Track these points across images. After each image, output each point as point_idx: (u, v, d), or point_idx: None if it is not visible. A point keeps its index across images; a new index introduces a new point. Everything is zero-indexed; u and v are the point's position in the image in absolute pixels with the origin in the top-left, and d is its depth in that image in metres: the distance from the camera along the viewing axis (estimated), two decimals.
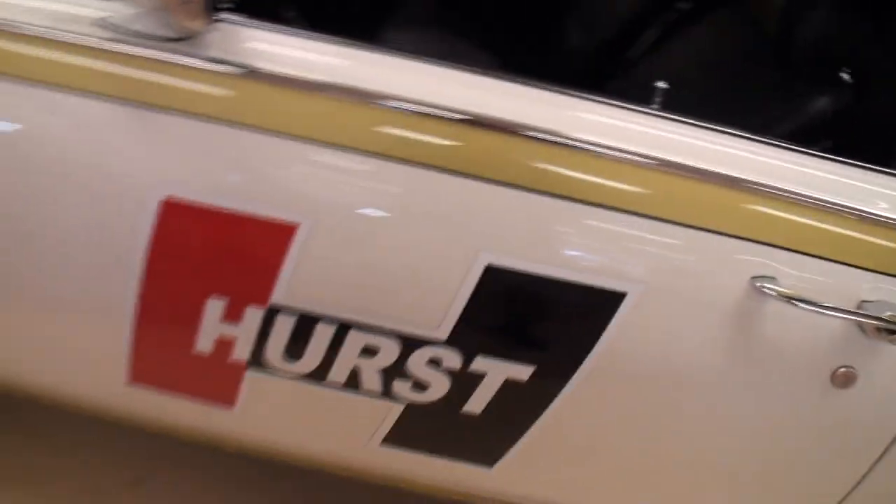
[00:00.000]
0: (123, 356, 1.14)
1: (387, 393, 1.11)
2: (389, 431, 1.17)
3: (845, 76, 1.24)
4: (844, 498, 1.18)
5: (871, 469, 1.15)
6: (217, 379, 1.15)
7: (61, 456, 1.69)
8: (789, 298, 1.00)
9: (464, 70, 1.03)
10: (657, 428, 1.14)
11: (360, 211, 1.02)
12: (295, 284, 1.03)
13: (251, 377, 1.13)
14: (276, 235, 1.01)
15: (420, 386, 1.09)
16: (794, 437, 1.14)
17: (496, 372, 1.07)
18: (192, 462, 1.68)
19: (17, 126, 1.02)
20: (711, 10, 1.64)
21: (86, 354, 1.19)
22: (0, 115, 1.01)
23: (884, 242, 1.03)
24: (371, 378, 1.10)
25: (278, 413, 1.22)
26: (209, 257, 1.05)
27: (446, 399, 1.10)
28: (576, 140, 1.01)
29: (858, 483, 1.16)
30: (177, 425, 1.30)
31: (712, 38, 1.62)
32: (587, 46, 1.88)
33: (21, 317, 1.17)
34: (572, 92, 1.04)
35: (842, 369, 1.04)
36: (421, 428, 1.17)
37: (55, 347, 1.20)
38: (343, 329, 1.05)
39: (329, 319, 1.05)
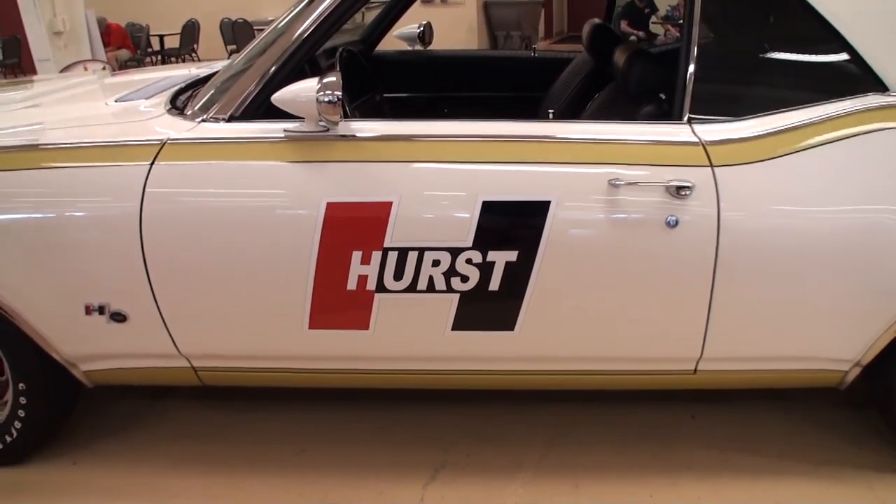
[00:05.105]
0: (306, 309, 2.20)
1: (448, 288, 2.16)
2: (455, 318, 2.19)
3: (662, 95, 2.42)
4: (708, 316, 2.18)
5: (713, 288, 2.16)
6: (358, 307, 2.18)
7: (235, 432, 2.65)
8: (631, 184, 2.10)
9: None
10: (585, 286, 2.18)
11: (424, 191, 2.14)
12: (395, 233, 2.11)
13: (377, 299, 2.17)
14: (383, 207, 2.11)
15: (464, 278, 2.14)
16: (652, 273, 2.17)
17: (500, 258, 2.13)
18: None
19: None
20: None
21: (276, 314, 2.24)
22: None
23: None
24: (439, 280, 2.15)
25: (398, 328, 2.23)
26: (352, 229, 2.14)
27: (479, 283, 2.15)
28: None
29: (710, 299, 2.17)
30: (336, 356, 2.31)
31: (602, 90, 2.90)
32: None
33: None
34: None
35: (670, 217, 2.10)
36: (471, 309, 2.19)
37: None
38: (421, 253, 2.12)
39: (415, 249, 2.13)
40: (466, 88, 3.92)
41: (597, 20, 3.53)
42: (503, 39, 12.94)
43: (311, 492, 2.42)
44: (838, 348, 2.30)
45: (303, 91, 2.08)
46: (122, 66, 12.10)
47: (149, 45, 13.79)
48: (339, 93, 2.05)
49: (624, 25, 10.54)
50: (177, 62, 13.66)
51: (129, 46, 12.76)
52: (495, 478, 2.46)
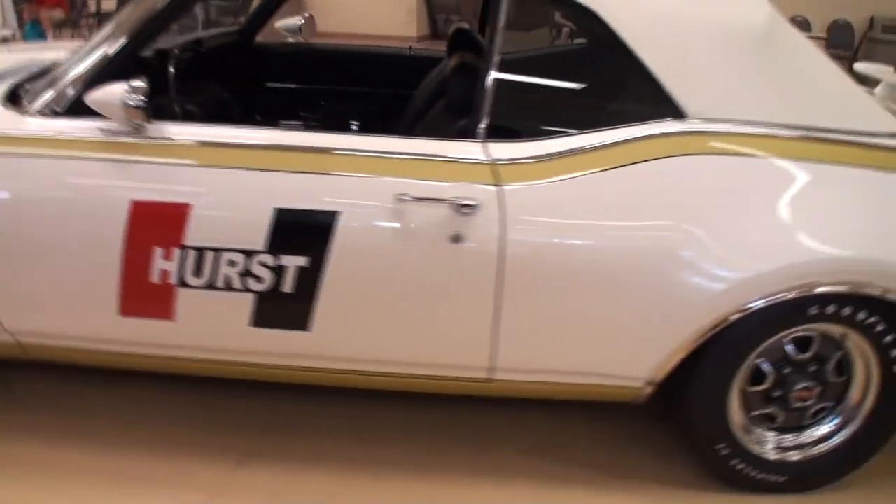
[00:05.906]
0: (116, 297, 2.31)
1: (245, 287, 2.28)
2: (252, 316, 2.32)
3: None
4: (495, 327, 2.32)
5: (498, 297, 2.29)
6: (162, 298, 2.30)
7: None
8: (418, 199, 2.22)
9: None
10: (373, 294, 2.32)
11: (220, 195, 2.25)
12: (193, 233, 2.23)
13: (180, 293, 2.29)
14: (182, 209, 2.23)
15: (259, 279, 2.27)
16: (433, 286, 2.30)
17: (291, 263, 2.26)
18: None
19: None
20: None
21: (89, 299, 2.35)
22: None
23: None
24: (236, 280, 2.28)
25: (201, 321, 2.36)
26: (154, 226, 2.25)
27: (273, 284, 2.28)
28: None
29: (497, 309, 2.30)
30: (146, 342, 2.43)
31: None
32: None
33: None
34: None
35: (453, 232, 2.23)
36: (267, 309, 2.32)
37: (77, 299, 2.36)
38: (218, 253, 2.25)
39: (212, 249, 2.25)
40: (345, 82, 4.02)
41: (463, 24, 3.64)
42: (443, 23, 12.97)
43: (127, 467, 2.56)
44: (629, 366, 2.39)
45: (111, 94, 2.19)
46: (57, 26, 11.96)
47: (85, 5, 13.58)
48: (145, 97, 2.16)
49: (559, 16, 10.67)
50: None
51: (63, 6, 12.57)
52: (301, 467, 2.60)
